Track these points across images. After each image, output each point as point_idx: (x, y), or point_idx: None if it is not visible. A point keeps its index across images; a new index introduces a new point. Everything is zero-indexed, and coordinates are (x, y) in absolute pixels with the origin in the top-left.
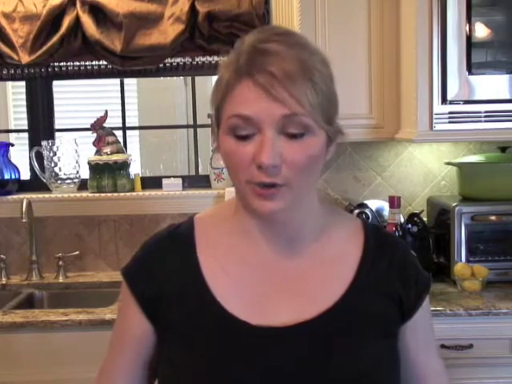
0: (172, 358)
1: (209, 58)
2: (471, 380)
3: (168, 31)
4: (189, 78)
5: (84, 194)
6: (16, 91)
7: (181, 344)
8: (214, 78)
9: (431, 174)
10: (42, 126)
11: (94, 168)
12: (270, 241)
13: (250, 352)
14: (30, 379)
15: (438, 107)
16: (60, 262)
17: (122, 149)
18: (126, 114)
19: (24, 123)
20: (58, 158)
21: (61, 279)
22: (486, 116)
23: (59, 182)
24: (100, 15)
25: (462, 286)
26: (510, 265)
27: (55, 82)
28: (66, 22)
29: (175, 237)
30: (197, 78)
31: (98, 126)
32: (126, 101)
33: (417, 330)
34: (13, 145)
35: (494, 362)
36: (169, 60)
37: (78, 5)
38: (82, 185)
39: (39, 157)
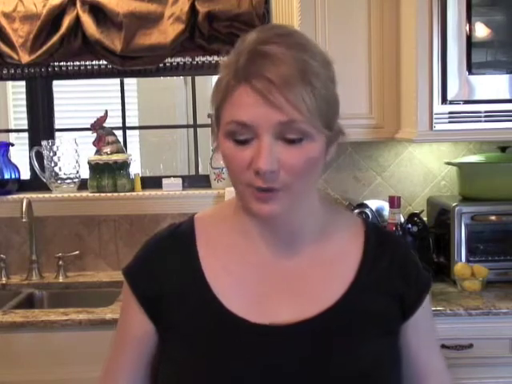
0: (173, 357)
1: (209, 58)
2: (471, 380)
3: (168, 31)
4: (189, 78)
5: (84, 194)
6: (16, 91)
7: (182, 343)
8: (214, 78)
9: (431, 173)
10: (42, 125)
11: (94, 168)
12: (270, 241)
13: (251, 350)
14: (29, 379)
15: (438, 107)
16: (60, 262)
17: (122, 148)
18: (126, 113)
19: (24, 123)
20: (58, 157)
21: (61, 279)
22: (486, 116)
23: (59, 181)
24: (100, 15)
25: (462, 286)
26: (509, 265)
27: (55, 82)
28: (66, 21)
29: (176, 236)
30: (197, 78)
31: (98, 126)
32: (126, 100)
33: (418, 328)
34: (13, 144)
35: (494, 361)
36: (169, 60)
37: (78, 4)
38: (82, 185)
39: (39, 156)
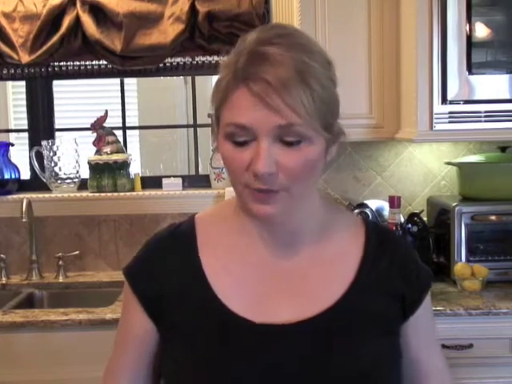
0: (174, 357)
1: (209, 58)
2: (471, 380)
3: (168, 31)
4: (189, 78)
5: (84, 194)
6: (16, 91)
7: (183, 343)
8: (214, 78)
9: (431, 173)
10: (42, 125)
11: (94, 168)
12: (269, 241)
13: (252, 349)
14: (29, 379)
15: (438, 107)
16: (60, 262)
17: (122, 148)
18: (126, 113)
19: (24, 123)
20: (58, 157)
21: (61, 279)
22: (486, 116)
23: (59, 181)
24: (100, 15)
25: (462, 286)
26: (509, 264)
27: (55, 82)
28: (66, 21)
29: (176, 236)
30: (197, 78)
31: (98, 126)
32: (126, 100)
33: (418, 328)
34: (13, 144)
35: (494, 361)
36: (169, 60)
37: (78, 4)
38: (82, 184)
39: (39, 156)
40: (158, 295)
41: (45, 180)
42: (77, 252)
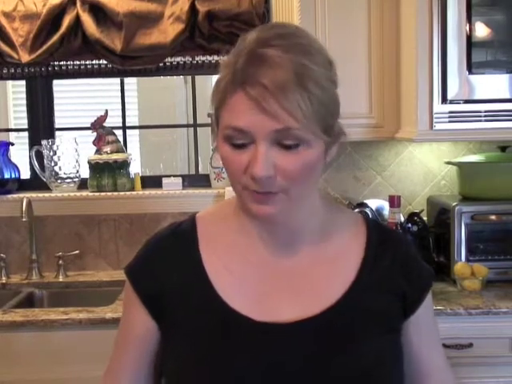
0: (176, 354)
1: (209, 58)
2: (471, 379)
3: (168, 30)
4: (189, 77)
5: (84, 193)
6: (16, 90)
7: (185, 341)
8: (214, 78)
9: (431, 173)
10: (42, 125)
11: (94, 167)
12: (269, 241)
13: (255, 347)
14: (29, 378)
15: (438, 106)
16: (60, 261)
17: (122, 148)
18: (126, 113)
19: (24, 122)
20: (58, 157)
21: (61, 278)
22: (486, 115)
23: (59, 181)
24: (100, 14)
25: (462, 286)
26: (509, 264)
27: (55, 81)
28: (66, 21)
29: (177, 235)
30: (197, 77)
31: (98, 125)
32: (126, 100)
33: (420, 326)
34: (13, 144)
35: (493, 361)
36: (169, 59)
37: (78, 4)
38: (82, 184)
39: (39, 156)
40: (160, 293)
41: (45, 179)
42: (77, 251)
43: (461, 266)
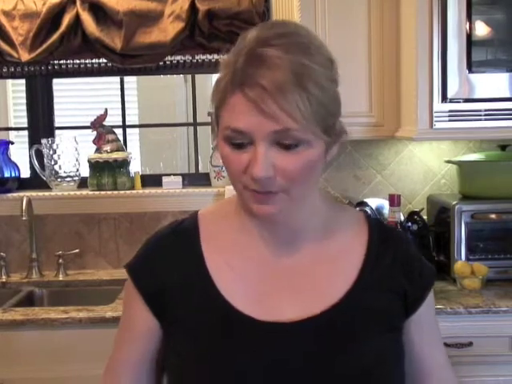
0: (178, 351)
1: (209, 56)
2: (471, 378)
3: (168, 29)
4: (189, 76)
5: (84, 192)
6: (16, 89)
7: (186, 338)
8: (214, 76)
9: (431, 172)
10: (41, 123)
11: (94, 166)
12: (270, 240)
13: (256, 344)
14: (29, 377)
15: (438, 105)
16: (60, 260)
17: (122, 147)
18: (126, 112)
19: (24, 121)
20: (58, 155)
21: (61, 277)
22: (486, 114)
23: (59, 179)
24: (100, 13)
25: (462, 284)
26: (509, 263)
27: (55, 80)
28: (66, 19)
29: (179, 232)
30: (197, 76)
31: (98, 124)
32: (126, 99)
33: (421, 324)
34: (13, 143)
35: (493, 359)
36: (169, 58)
37: (78, 3)
38: (82, 183)
39: (39, 155)
40: (161, 289)
41: (45, 178)
42: (77, 250)
43: (461, 264)
